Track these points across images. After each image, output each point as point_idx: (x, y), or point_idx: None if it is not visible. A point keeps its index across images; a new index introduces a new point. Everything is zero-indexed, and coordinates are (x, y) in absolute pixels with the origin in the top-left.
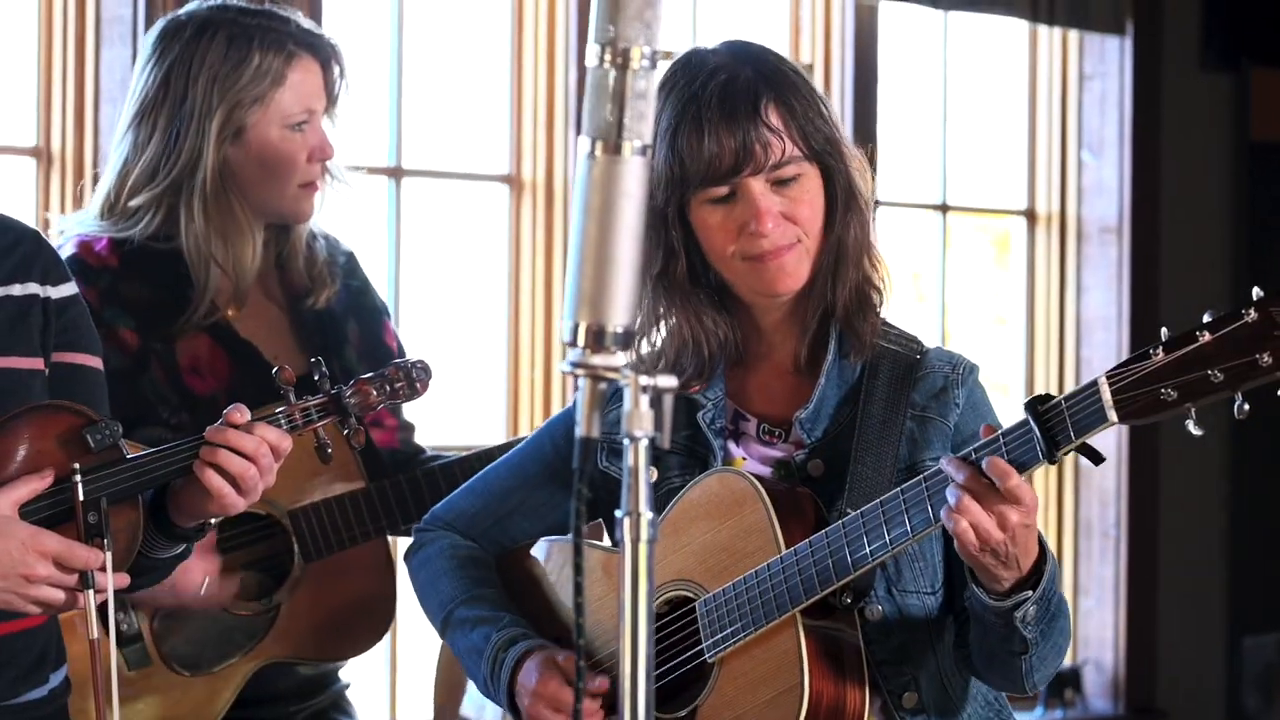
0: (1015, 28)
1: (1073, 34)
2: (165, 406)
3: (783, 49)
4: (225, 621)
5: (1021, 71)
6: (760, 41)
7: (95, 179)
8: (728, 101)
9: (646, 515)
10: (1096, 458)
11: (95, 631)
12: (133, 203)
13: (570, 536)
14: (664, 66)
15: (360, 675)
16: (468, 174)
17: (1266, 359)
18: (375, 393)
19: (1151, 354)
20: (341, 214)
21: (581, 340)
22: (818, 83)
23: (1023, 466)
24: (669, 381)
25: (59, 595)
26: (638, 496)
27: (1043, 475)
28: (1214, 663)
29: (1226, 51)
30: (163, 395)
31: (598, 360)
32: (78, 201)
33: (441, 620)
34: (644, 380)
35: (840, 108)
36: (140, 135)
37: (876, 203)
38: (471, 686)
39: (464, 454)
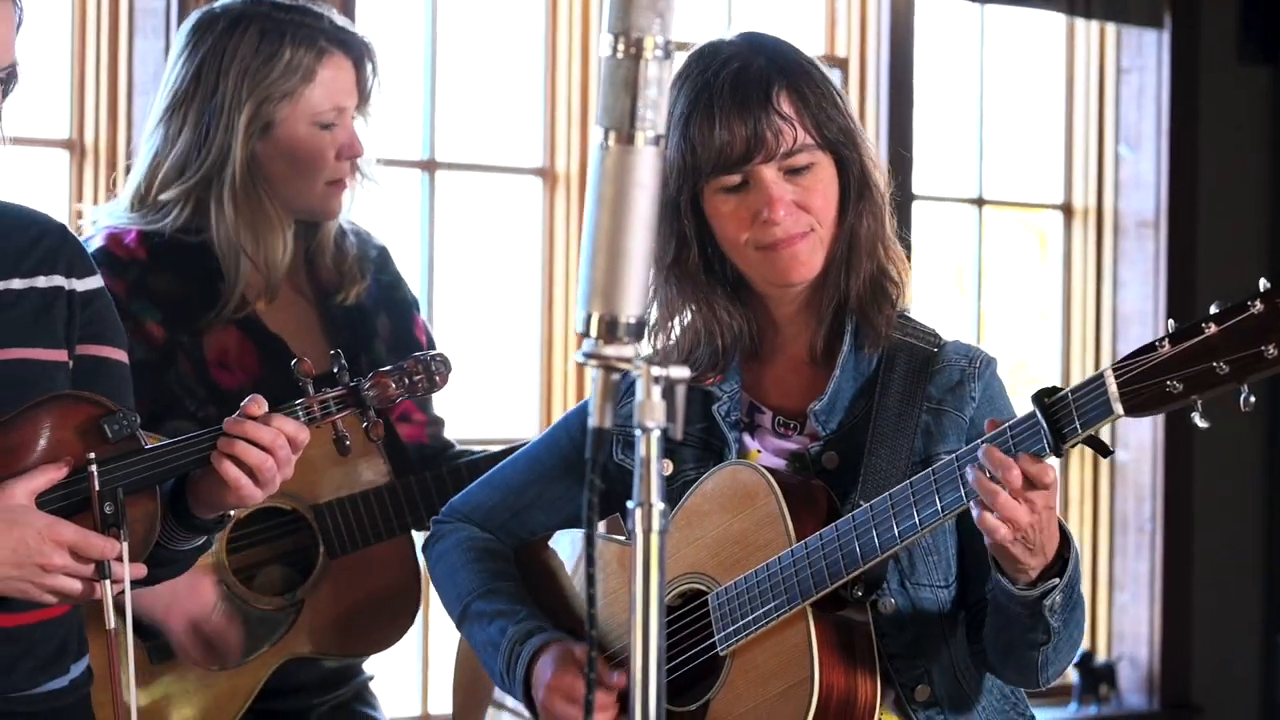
0: (1052, 21)
1: (1110, 27)
2: (192, 399)
3: (818, 44)
4: (249, 616)
5: (1059, 65)
6: (793, 36)
7: (127, 170)
8: (740, 89)
9: (658, 506)
10: (1104, 450)
11: (112, 622)
12: (163, 196)
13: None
14: (679, 57)
15: (392, 668)
16: (501, 167)
17: (1273, 351)
18: (394, 385)
19: (1158, 346)
20: (375, 207)
21: (594, 331)
22: (853, 78)
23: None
24: (681, 372)
25: (75, 585)
26: (649, 487)
27: (1078, 470)
28: (1249, 659)
29: (1264, 44)
30: (189, 388)
31: (610, 351)
32: (110, 193)
33: (459, 612)
34: (656, 371)
35: (876, 102)
36: (171, 128)
37: (913, 197)
38: None
39: (491, 450)
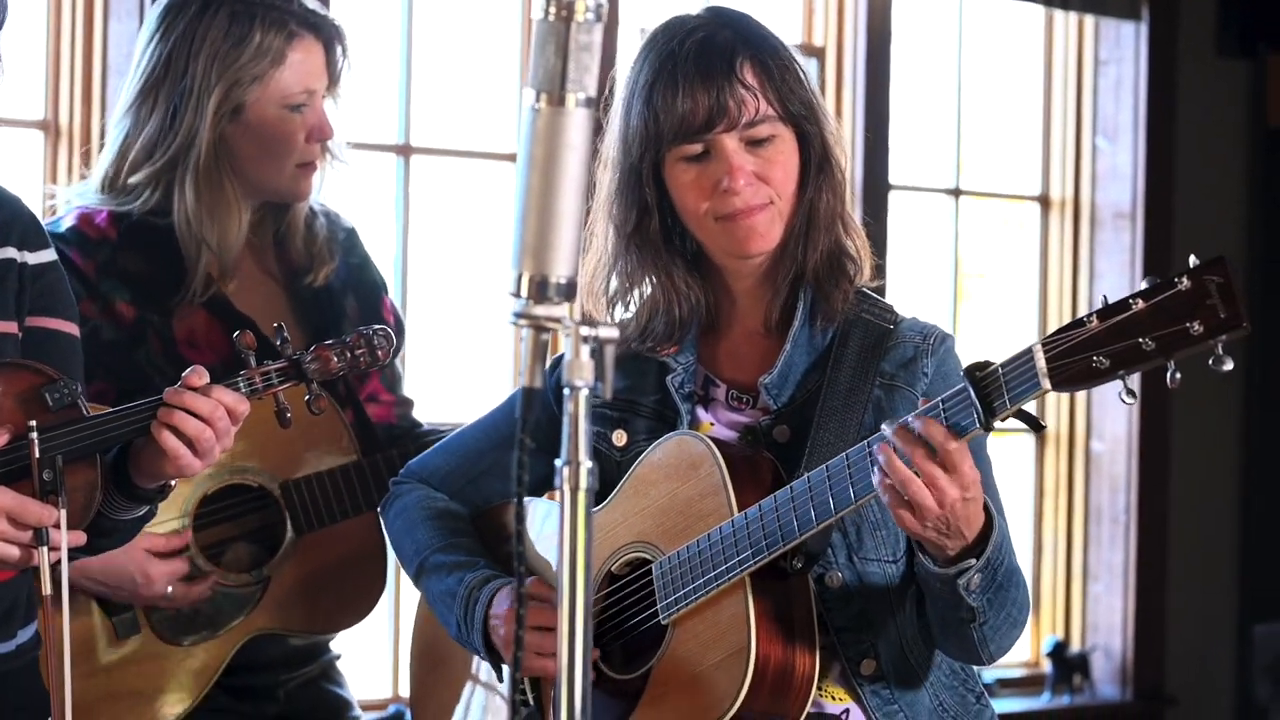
0: (1031, 12)
1: (1088, 19)
2: (161, 378)
3: (795, 32)
4: (216, 592)
5: (1037, 56)
6: (770, 24)
7: (100, 151)
8: (704, 58)
9: (585, 464)
10: (1036, 425)
11: (48, 588)
12: (132, 179)
13: (542, 497)
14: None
15: (363, 650)
16: (477, 152)
17: (1197, 327)
18: (336, 359)
19: (1086, 322)
20: (349, 191)
21: (525, 291)
22: (830, 67)
23: (961, 431)
24: (610, 332)
25: (13, 551)
26: (577, 445)
27: (1053, 460)
28: (1224, 651)
29: (1242, 37)
30: (159, 367)
31: (540, 310)
32: (85, 174)
33: (416, 567)
34: (585, 331)
35: (853, 92)
36: (142, 112)
37: (890, 187)
38: None
39: (458, 427)
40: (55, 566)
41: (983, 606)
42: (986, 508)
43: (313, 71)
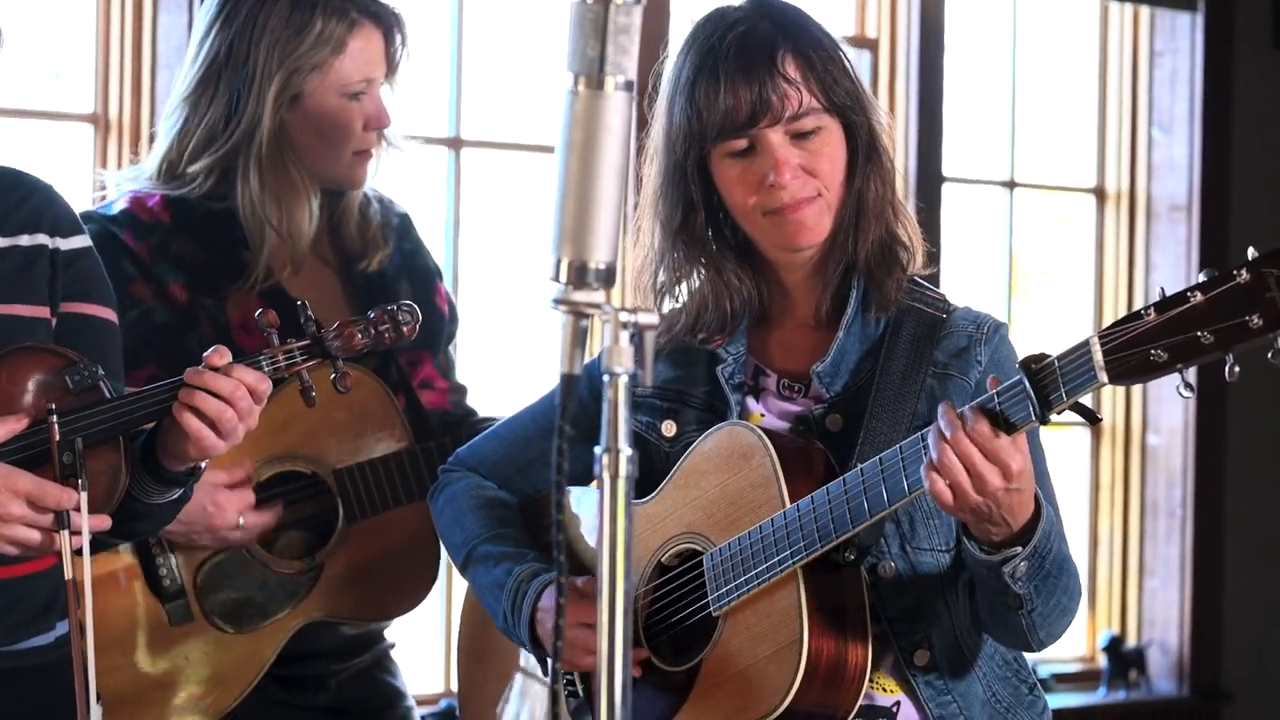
0: (1086, 3)
1: (1144, 10)
2: None
3: (848, 25)
4: (268, 579)
5: (1092, 48)
6: (822, 16)
7: (151, 140)
8: (745, 53)
9: (625, 451)
10: (1092, 417)
11: (70, 572)
12: (192, 168)
13: (592, 488)
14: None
15: (415, 643)
16: (527, 145)
17: (1257, 320)
18: (360, 336)
19: (1144, 314)
20: (401, 184)
21: (564, 276)
22: (884, 59)
23: (1015, 425)
24: (650, 318)
25: (34, 535)
26: (616, 432)
27: (1109, 454)
28: None
29: None
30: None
31: (580, 296)
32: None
33: (464, 556)
34: (624, 317)
35: (906, 84)
36: (202, 100)
37: (943, 179)
38: None
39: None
40: (78, 551)
41: (1029, 594)
42: (1036, 498)
43: (372, 60)
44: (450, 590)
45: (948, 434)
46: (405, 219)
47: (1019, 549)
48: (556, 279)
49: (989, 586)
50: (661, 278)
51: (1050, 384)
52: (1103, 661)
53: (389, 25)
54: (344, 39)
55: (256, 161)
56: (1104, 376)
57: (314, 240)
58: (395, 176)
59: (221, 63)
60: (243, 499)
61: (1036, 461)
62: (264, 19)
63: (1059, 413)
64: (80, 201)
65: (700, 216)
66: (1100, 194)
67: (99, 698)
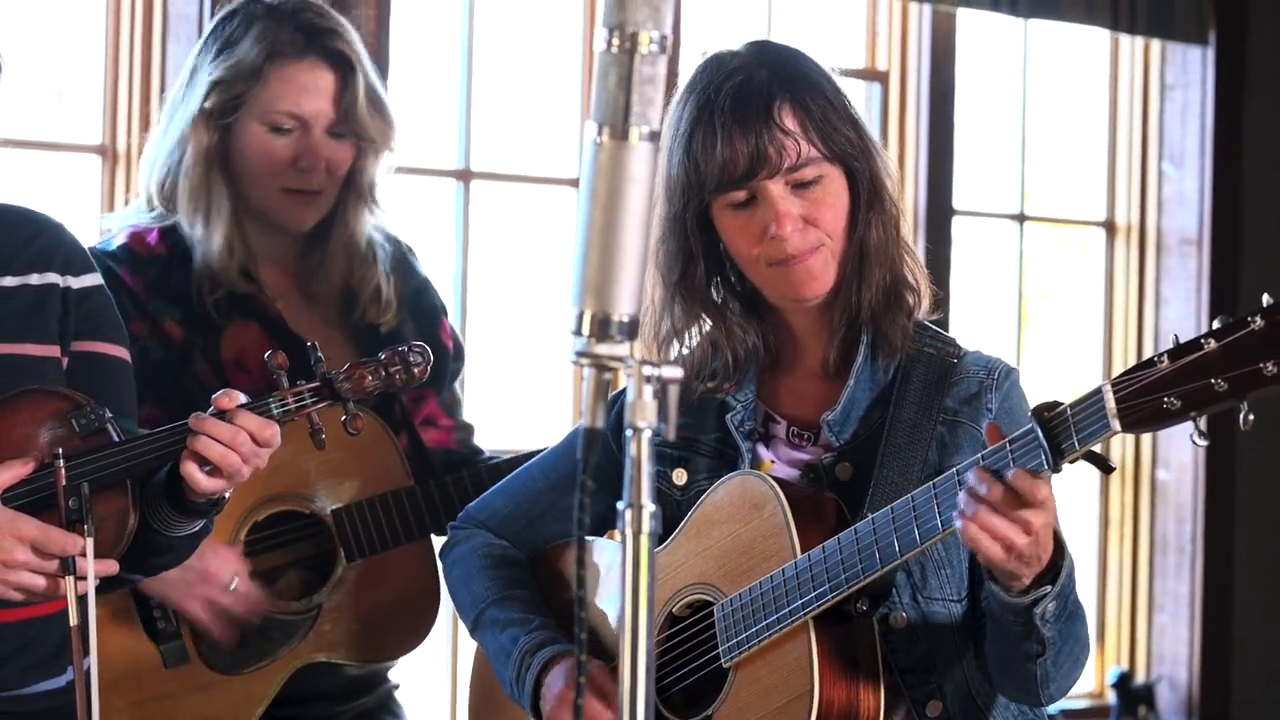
0: (1096, 36)
1: (1155, 43)
2: (209, 399)
3: (858, 57)
4: (266, 621)
5: (1102, 81)
6: (833, 49)
7: None
8: (741, 105)
9: (649, 508)
10: (1105, 466)
11: (75, 618)
12: (164, 192)
13: (602, 538)
14: (687, 59)
15: (420, 679)
16: (537, 177)
17: (1271, 368)
18: (370, 378)
19: (1156, 362)
20: (409, 215)
21: (586, 329)
22: (894, 91)
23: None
24: (674, 372)
25: (39, 581)
26: (639, 488)
27: (1119, 490)
28: None
29: None
30: (206, 388)
31: (603, 349)
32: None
33: (473, 619)
34: (648, 370)
35: (917, 116)
36: (170, 126)
37: (954, 212)
38: None
39: (515, 455)
40: (84, 597)
41: (1053, 637)
42: (1056, 534)
43: (307, 97)
44: (456, 629)
45: (984, 491)
46: (410, 255)
47: (1048, 588)
48: (579, 332)
49: (1012, 635)
50: (664, 328)
51: (1063, 432)
52: (1111, 698)
53: (336, 64)
54: (267, 71)
55: (186, 176)
56: (1117, 425)
57: (320, 278)
58: (404, 208)
59: (183, 85)
60: (239, 562)
61: None
62: (214, 44)
63: (1071, 461)
64: (88, 236)
65: (700, 268)
66: (1110, 227)
67: None
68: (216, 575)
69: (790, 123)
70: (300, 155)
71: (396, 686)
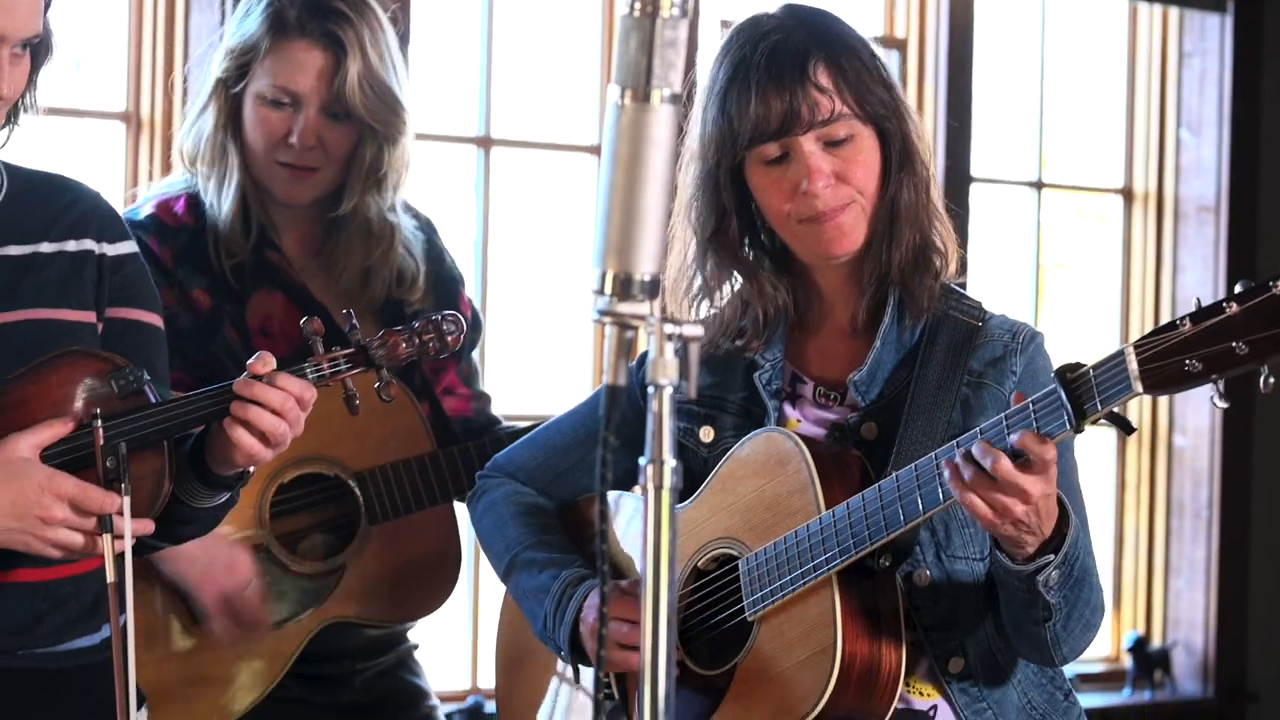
0: (1114, 4)
1: (1173, 11)
2: (236, 368)
3: (877, 25)
4: (290, 580)
5: (1120, 49)
6: (851, 17)
7: None
8: (776, 62)
9: (670, 463)
10: (1127, 428)
11: (112, 575)
12: (193, 158)
13: (630, 493)
14: (709, 22)
15: (442, 642)
16: (556, 144)
17: None
18: (404, 345)
19: (1179, 324)
20: (429, 183)
21: (609, 288)
22: (912, 59)
23: (1050, 434)
24: (695, 330)
25: (77, 538)
26: (661, 444)
27: (1135, 455)
28: None
29: None
30: (234, 355)
31: (625, 308)
32: (166, 165)
33: (507, 563)
34: (669, 328)
35: (935, 84)
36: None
37: (971, 179)
38: None
39: (532, 422)
40: (120, 555)
41: (1059, 603)
42: (1061, 503)
43: (299, 76)
44: (477, 588)
45: (966, 476)
46: (429, 225)
47: (1050, 557)
48: (601, 291)
49: (1018, 599)
50: (696, 285)
51: (1085, 393)
52: (1128, 662)
53: (336, 50)
54: (263, 45)
55: (207, 142)
56: (1139, 386)
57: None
58: (424, 175)
59: (215, 45)
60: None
61: (1068, 473)
62: (239, 6)
63: (1094, 422)
64: (114, 204)
65: (733, 224)
66: (1128, 195)
67: (143, 699)
68: (241, 570)
69: (825, 80)
70: (293, 131)
71: (416, 646)
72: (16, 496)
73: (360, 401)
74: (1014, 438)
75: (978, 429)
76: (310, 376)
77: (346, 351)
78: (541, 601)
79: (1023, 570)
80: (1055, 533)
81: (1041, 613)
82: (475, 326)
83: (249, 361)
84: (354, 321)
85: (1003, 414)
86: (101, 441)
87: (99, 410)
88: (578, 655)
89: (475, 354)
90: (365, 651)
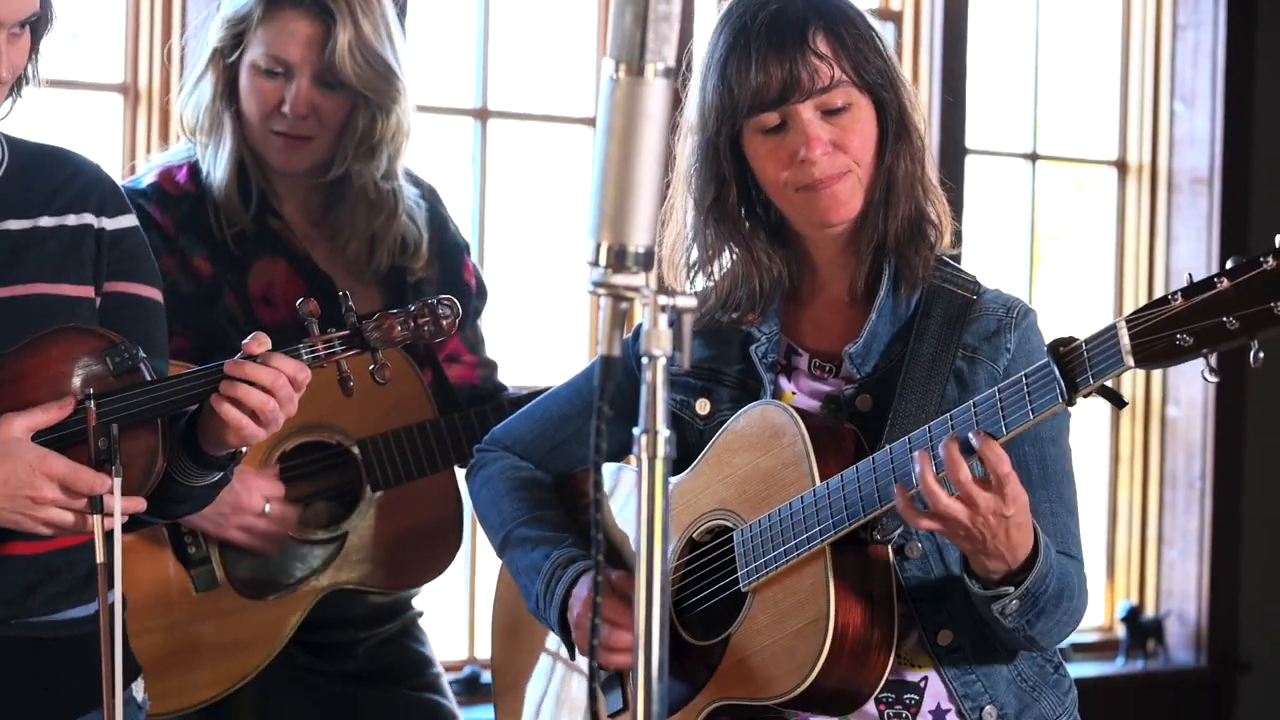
0: None
1: None
2: (238, 334)
3: None
4: (293, 548)
5: (1115, 20)
6: None
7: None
8: (776, 30)
9: (664, 433)
10: (1119, 401)
11: (101, 555)
12: (193, 126)
13: (630, 466)
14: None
15: (438, 612)
16: (554, 116)
17: None
18: (399, 328)
19: (1170, 299)
20: (427, 154)
21: (603, 260)
22: (907, 31)
23: (1043, 407)
24: (688, 301)
25: (67, 517)
26: (655, 414)
27: (1129, 426)
28: None
29: None
30: (235, 322)
31: (619, 280)
32: (164, 137)
33: (502, 538)
34: (663, 300)
35: (930, 56)
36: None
37: (966, 151)
38: None
39: (535, 390)
40: (110, 534)
41: (1019, 626)
42: (1038, 533)
43: (290, 45)
44: (475, 558)
45: (945, 462)
46: (432, 193)
47: (1009, 589)
48: (596, 263)
49: (982, 609)
50: (694, 255)
51: (1077, 367)
52: (1121, 632)
53: (326, 19)
54: (257, 16)
55: (205, 111)
56: (1131, 360)
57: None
58: (421, 147)
59: (213, 14)
60: (271, 486)
61: (1059, 459)
62: None
63: (1085, 396)
64: (112, 174)
65: (733, 193)
66: (1122, 167)
67: (138, 671)
68: (248, 505)
69: (824, 47)
70: (285, 100)
71: (420, 614)
72: (8, 476)
73: (355, 384)
74: (975, 440)
75: (971, 402)
76: (305, 357)
77: (341, 334)
78: (534, 580)
79: (979, 594)
80: (1027, 562)
81: (1002, 634)
82: (480, 294)
83: (244, 341)
84: (349, 303)
85: (995, 388)
86: (94, 421)
87: (92, 390)
88: (568, 634)
89: (479, 321)
90: (369, 619)
